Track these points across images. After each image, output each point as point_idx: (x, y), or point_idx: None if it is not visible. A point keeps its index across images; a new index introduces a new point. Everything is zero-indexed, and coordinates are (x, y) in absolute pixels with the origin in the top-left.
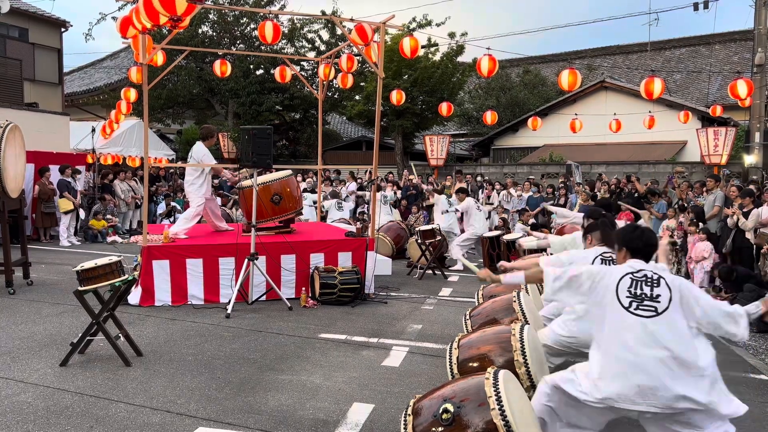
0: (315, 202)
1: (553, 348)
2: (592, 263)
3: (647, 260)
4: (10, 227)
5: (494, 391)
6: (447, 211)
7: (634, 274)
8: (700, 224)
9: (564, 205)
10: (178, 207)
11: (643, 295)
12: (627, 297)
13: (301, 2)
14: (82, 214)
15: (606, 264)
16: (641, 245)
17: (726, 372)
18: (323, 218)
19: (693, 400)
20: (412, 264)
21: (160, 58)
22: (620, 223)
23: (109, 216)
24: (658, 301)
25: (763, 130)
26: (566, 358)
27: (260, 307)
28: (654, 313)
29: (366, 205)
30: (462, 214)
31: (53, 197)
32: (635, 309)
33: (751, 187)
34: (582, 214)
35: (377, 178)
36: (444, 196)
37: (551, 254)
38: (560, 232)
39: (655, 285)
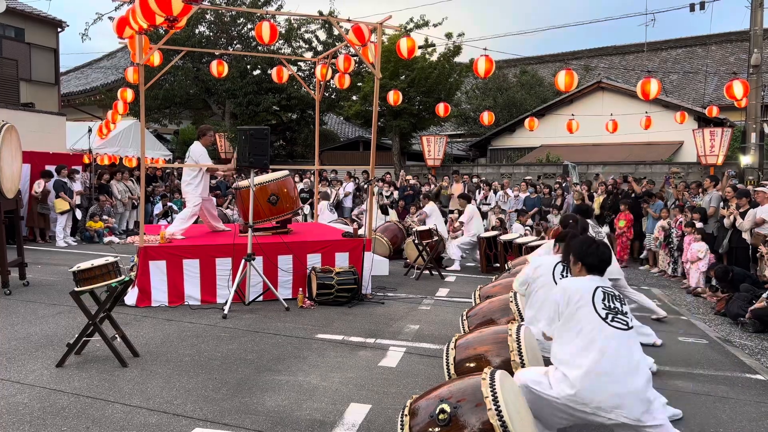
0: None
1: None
2: (554, 268)
3: (602, 275)
4: (6, 228)
5: (491, 391)
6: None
7: (604, 288)
8: (697, 225)
9: (561, 206)
10: (175, 207)
11: (616, 309)
12: (603, 309)
13: (298, 2)
14: (78, 214)
15: (567, 270)
16: (596, 261)
17: (723, 372)
18: None
19: (656, 415)
20: (410, 264)
21: (156, 59)
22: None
23: (105, 216)
24: (627, 317)
25: (759, 131)
26: None
27: (257, 307)
28: (626, 327)
29: (363, 206)
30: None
31: (47, 198)
32: (611, 321)
33: (749, 187)
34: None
35: (374, 178)
36: (436, 206)
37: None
38: (556, 233)
39: (623, 302)
